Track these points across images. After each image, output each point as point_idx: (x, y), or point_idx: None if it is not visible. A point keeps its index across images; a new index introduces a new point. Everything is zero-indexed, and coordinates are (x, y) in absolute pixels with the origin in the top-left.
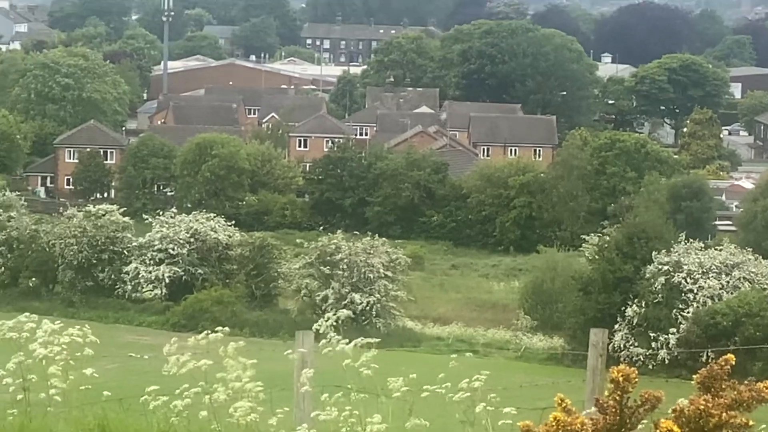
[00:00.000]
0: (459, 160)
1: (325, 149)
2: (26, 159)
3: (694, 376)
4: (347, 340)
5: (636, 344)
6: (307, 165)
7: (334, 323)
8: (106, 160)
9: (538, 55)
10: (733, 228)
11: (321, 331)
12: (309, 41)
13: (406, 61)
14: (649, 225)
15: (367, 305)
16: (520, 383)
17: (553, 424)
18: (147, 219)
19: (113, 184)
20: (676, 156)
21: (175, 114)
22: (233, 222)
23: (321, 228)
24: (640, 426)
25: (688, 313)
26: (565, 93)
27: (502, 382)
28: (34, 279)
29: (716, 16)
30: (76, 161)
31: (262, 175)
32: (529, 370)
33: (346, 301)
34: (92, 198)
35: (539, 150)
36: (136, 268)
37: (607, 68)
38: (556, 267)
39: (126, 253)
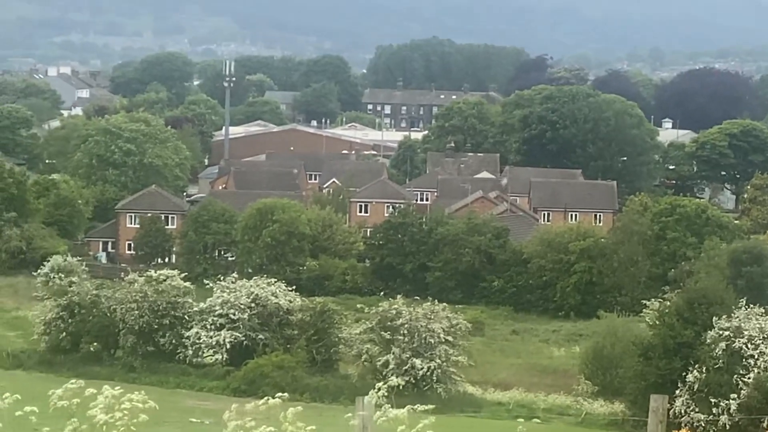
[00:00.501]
0: (519, 225)
1: (386, 214)
2: (88, 224)
3: None
4: (399, 408)
5: (697, 410)
6: (368, 230)
7: (391, 389)
8: (168, 225)
9: (598, 120)
10: None
11: (374, 403)
12: (370, 106)
13: (467, 126)
14: (709, 290)
15: (427, 370)
16: None
17: None
18: (208, 284)
19: (174, 249)
20: (736, 221)
21: (236, 179)
22: (294, 287)
23: (382, 293)
24: None
25: (749, 378)
26: (625, 158)
27: None
28: (95, 344)
29: None
30: (138, 226)
31: (323, 240)
32: None
33: (406, 367)
34: (153, 263)
35: (600, 215)
36: (197, 333)
37: (668, 134)
38: (617, 332)
39: (187, 318)
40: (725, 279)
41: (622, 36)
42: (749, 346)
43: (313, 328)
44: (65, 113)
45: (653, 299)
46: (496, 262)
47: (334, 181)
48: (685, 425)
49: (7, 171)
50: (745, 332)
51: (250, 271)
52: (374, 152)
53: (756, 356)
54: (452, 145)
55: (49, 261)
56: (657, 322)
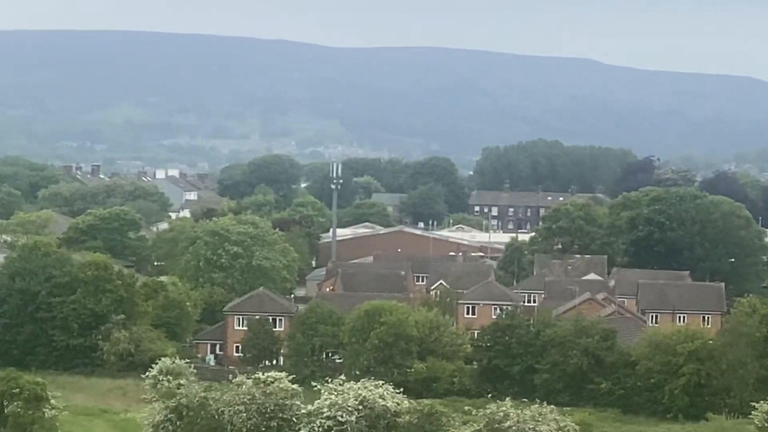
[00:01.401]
0: (627, 327)
1: (493, 316)
2: (196, 326)
3: None
4: None
5: None
6: (476, 332)
7: None
8: (275, 327)
9: (706, 222)
10: None
11: None
12: (477, 208)
13: (574, 228)
14: None
15: None
16: None
17: None
18: (316, 386)
19: (282, 351)
20: None
21: (343, 281)
22: (402, 389)
23: (489, 395)
24: None
25: None
26: (733, 260)
27: None
28: None
29: None
30: (245, 328)
31: (430, 342)
32: None
33: None
34: (261, 365)
35: (708, 317)
36: None
37: None
38: None
39: (295, 420)
40: None
41: (729, 137)
42: None
43: (420, 430)
44: (173, 215)
45: (762, 401)
46: (604, 364)
47: (441, 283)
48: None
49: (116, 273)
50: None
51: (357, 373)
52: (481, 254)
53: None
54: (559, 246)
55: (157, 363)
56: (766, 425)
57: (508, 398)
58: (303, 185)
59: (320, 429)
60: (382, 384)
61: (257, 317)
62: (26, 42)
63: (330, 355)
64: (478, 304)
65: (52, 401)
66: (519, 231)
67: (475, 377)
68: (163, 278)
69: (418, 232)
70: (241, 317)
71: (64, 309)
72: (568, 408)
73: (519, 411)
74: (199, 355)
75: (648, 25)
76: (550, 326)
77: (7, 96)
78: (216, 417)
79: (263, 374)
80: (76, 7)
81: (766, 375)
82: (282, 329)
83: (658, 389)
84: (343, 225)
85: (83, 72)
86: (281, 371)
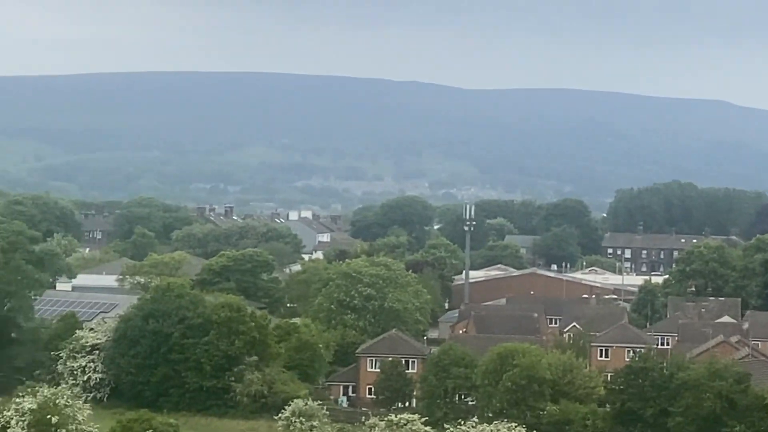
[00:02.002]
0: (762, 371)
1: (627, 359)
2: (328, 368)
3: None
4: None
5: None
6: (609, 375)
7: None
8: (408, 369)
9: None
10: None
11: None
12: (610, 250)
13: (708, 270)
14: None
15: None
16: None
17: None
18: (448, 428)
19: (415, 393)
20: None
21: (476, 323)
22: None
23: None
24: None
25: None
26: None
27: None
28: None
29: None
30: (378, 370)
31: (563, 385)
32: None
33: None
34: (394, 407)
35: None
36: None
37: None
38: None
39: None
40: None
41: None
42: None
43: None
44: (306, 257)
45: None
46: (738, 407)
47: (574, 325)
48: None
49: (249, 315)
50: None
51: (490, 415)
52: (614, 296)
53: None
54: (693, 289)
55: (290, 405)
56: None
57: None
58: (436, 227)
59: None
60: (515, 426)
61: (390, 359)
62: (160, 84)
63: (463, 397)
64: (612, 346)
65: None
66: (652, 273)
67: (609, 420)
68: (295, 320)
69: (551, 274)
70: (373, 359)
71: (197, 350)
72: None
73: None
74: (332, 397)
75: None
76: (684, 369)
77: (141, 138)
78: None
79: (396, 416)
80: (210, 50)
81: None
82: (415, 371)
83: None
84: (476, 267)
85: (217, 113)
86: (414, 413)
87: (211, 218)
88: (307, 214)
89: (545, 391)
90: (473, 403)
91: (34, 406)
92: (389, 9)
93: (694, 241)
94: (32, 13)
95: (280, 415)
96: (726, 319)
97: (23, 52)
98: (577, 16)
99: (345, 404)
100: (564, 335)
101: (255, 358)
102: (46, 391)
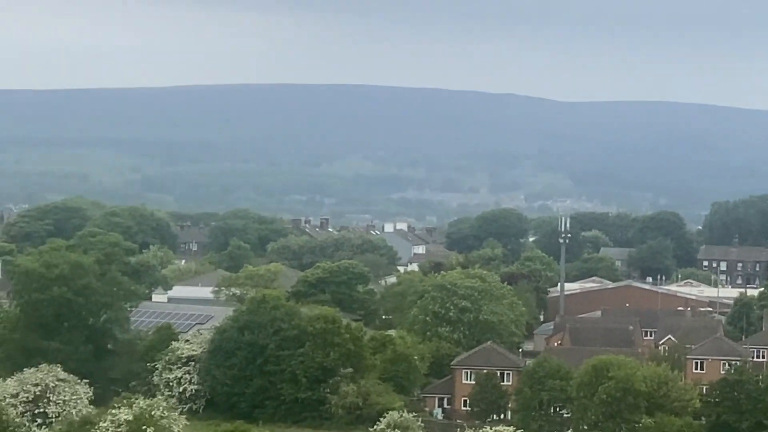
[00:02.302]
0: None
1: (722, 372)
2: (423, 380)
3: None
4: None
5: None
6: (704, 387)
7: None
8: (503, 381)
9: None
10: None
11: None
12: (705, 263)
13: None
14: None
15: None
16: None
17: None
18: None
19: (510, 405)
20: None
21: (571, 335)
22: None
23: None
24: None
25: None
26: None
27: None
28: None
29: None
30: (473, 382)
31: (658, 398)
32: None
33: None
34: (489, 419)
35: None
36: None
37: None
38: None
39: None
40: None
41: None
42: None
43: None
44: (401, 269)
45: None
46: None
47: (669, 338)
48: None
49: (345, 327)
50: None
51: (585, 427)
52: (710, 309)
53: None
54: None
55: (385, 417)
56: None
57: None
58: (531, 239)
59: None
60: None
61: (485, 371)
62: (257, 96)
63: (558, 409)
64: (707, 359)
65: None
66: (748, 286)
67: None
68: (391, 332)
69: (647, 286)
70: (469, 371)
71: (292, 362)
72: None
73: None
74: (427, 409)
75: None
76: None
77: (238, 150)
78: None
79: (491, 428)
80: (307, 62)
81: None
82: (510, 383)
83: None
84: (571, 279)
85: (313, 126)
86: (509, 425)
87: (307, 230)
88: (403, 226)
89: (640, 404)
90: (568, 415)
91: (130, 418)
92: (485, 22)
93: None
94: (129, 26)
95: (375, 426)
96: None
97: (122, 64)
98: (673, 28)
99: (440, 416)
100: (659, 348)
101: (350, 369)
102: (141, 402)
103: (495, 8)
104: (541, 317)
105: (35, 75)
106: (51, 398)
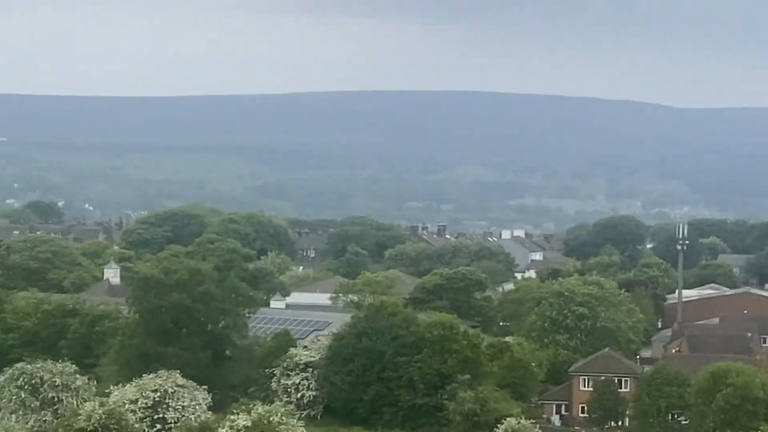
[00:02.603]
0: None
1: None
2: (541, 387)
3: None
4: None
5: None
6: None
7: None
8: (621, 388)
9: None
10: None
11: None
12: None
13: None
14: None
15: None
16: None
17: None
18: None
19: (627, 412)
20: None
21: (689, 342)
22: None
23: None
24: None
25: None
26: None
27: None
28: None
29: None
30: (591, 389)
31: None
32: None
33: None
34: (606, 426)
35: None
36: None
37: None
38: None
39: None
40: None
41: None
42: None
43: None
44: (519, 276)
45: None
46: None
47: None
48: None
49: (462, 333)
50: None
51: None
52: None
53: None
54: None
55: (503, 423)
56: None
57: None
58: (648, 246)
59: None
60: None
61: (603, 378)
62: (374, 103)
63: (675, 416)
64: None
65: None
66: None
67: None
68: (508, 338)
69: (765, 293)
70: (586, 378)
71: (409, 369)
72: None
73: None
74: (545, 416)
75: None
76: None
77: (356, 156)
78: None
79: None
80: (423, 68)
81: None
82: (627, 390)
83: None
84: (688, 286)
85: (430, 133)
86: None
87: (424, 237)
88: (520, 232)
89: (759, 411)
90: (686, 422)
91: (249, 424)
92: (601, 29)
93: None
94: (249, 34)
95: None
96: None
97: (240, 71)
98: None
99: (557, 423)
100: None
101: (468, 376)
102: (260, 408)
103: (612, 15)
104: (659, 324)
105: (155, 82)
106: (170, 404)
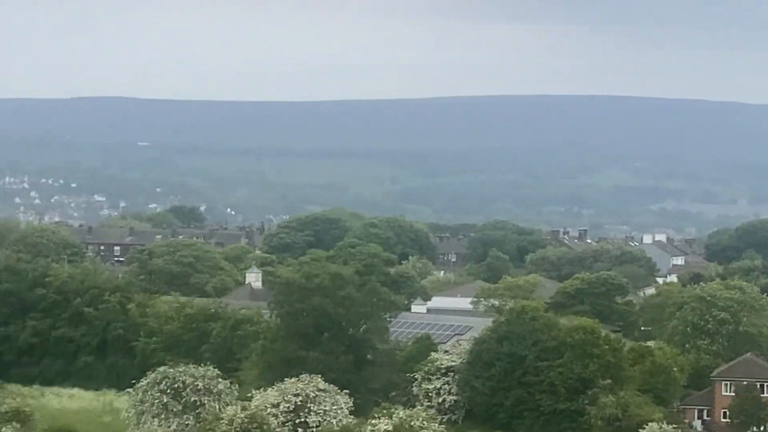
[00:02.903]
0: None
1: None
2: (683, 392)
3: None
4: None
5: None
6: None
7: None
8: (763, 393)
9: None
10: None
11: None
12: None
13: None
14: None
15: None
16: None
17: None
18: None
19: None
20: None
21: None
22: None
23: None
24: None
25: None
26: None
27: None
28: None
29: None
30: (733, 394)
31: None
32: None
33: None
34: (749, 431)
35: None
36: None
37: None
38: None
39: None
40: None
41: None
42: None
43: None
44: (660, 280)
45: None
46: None
47: None
48: None
49: (603, 338)
50: None
51: None
52: None
53: None
54: None
55: (644, 428)
56: None
57: None
58: None
59: None
60: None
61: (745, 383)
62: (514, 107)
63: None
64: None
65: None
66: None
67: None
68: (650, 343)
69: None
70: (728, 383)
71: (551, 373)
72: None
73: None
74: (686, 421)
75: None
76: None
77: (497, 161)
78: None
79: None
80: (563, 73)
81: None
82: None
83: None
84: None
85: (571, 137)
86: None
87: (565, 241)
88: (662, 237)
89: None
90: None
91: (390, 428)
92: (744, 32)
93: None
94: (389, 40)
95: None
96: None
97: (383, 76)
98: None
99: (699, 428)
100: None
101: (609, 381)
102: (401, 412)
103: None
104: None
105: (298, 87)
106: (311, 408)
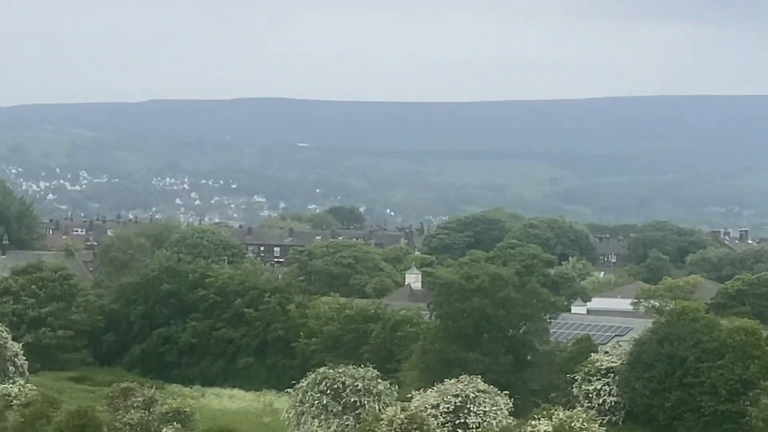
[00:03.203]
0: None
1: None
2: None
3: None
4: None
5: None
6: None
7: None
8: None
9: None
10: None
11: None
12: None
13: None
14: None
15: None
16: None
17: None
18: None
19: None
20: None
21: None
22: None
23: None
24: None
25: None
26: None
27: None
28: None
29: None
30: None
31: None
32: None
33: None
34: None
35: None
36: None
37: None
38: None
39: None
40: None
41: None
42: None
43: None
44: None
45: None
46: None
47: None
48: None
49: (765, 339)
50: None
51: None
52: None
53: None
54: None
55: None
56: None
57: None
58: None
59: None
60: None
61: None
62: (674, 107)
63: None
64: None
65: None
66: None
67: None
68: None
69: None
70: None
71: (711, 374)
72: None
73: None
74: None
75: None
76: None
77: (657, 161)
78: None
79: None
80: (727, 72)
81: None
82: None
83: None
84: None
85: (731, 137)
86: None
87: (726, 242)
88: None
89: None
90: None
91: (550, 429)
92: None
93: None
94: (554, 39)
95: None
96: None
97: (543, 77)
98: None
99: None
100: None
101: None
102: (561, 413)
103: None
104: None
105: (455, 88)
106: (471, 409)
